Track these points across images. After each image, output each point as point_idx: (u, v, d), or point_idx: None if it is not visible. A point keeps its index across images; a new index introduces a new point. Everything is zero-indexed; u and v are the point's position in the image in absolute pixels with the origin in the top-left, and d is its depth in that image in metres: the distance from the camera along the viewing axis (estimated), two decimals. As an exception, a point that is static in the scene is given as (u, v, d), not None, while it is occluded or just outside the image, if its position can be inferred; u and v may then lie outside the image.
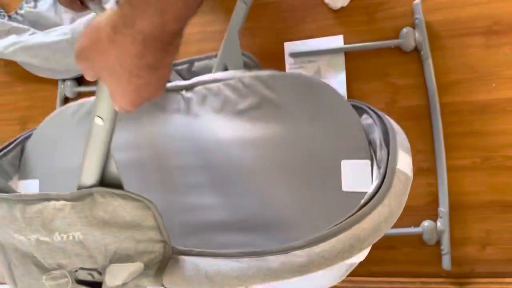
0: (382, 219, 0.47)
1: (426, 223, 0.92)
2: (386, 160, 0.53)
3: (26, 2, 1.13)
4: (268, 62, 1.01)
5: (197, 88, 0.74)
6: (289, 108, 0.67)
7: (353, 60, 0.97)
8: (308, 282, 0.51)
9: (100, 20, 0.38)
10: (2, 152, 0.81)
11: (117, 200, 0.47)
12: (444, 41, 0.93)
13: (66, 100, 1.14)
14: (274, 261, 0.43)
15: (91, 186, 0.48)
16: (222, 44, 0.78)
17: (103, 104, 0.45)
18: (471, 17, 0.91)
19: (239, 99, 0.70)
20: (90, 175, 0.48)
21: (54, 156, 0.80)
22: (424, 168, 0.94)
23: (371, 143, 0.62)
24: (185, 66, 0.82)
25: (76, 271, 0.51)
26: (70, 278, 0.51)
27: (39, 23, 1.11)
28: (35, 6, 1.12)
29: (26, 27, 1.09)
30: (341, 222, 0.46)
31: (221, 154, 0.69)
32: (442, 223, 0.91)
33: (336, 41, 0.98)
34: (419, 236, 0.93)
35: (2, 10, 1.14)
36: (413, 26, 0.93)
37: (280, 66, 1.00)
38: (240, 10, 0.75)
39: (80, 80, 1.13)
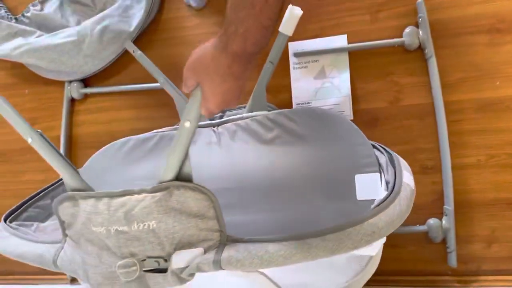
0: (395, 214, 0.56)
1: (432, 221, 0.92)
2: (394, 175, 0.64)
3: (33, 5, 1.14)
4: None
5: (227, 125, 0.89)
6: (308, 136, 0.81)
7: (356, 60, 0.98)
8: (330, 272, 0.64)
9: (206, 44, 0.56)
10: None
11: (188, 192, 0.58)
12: (448, 39, 0.93)
13: (72, 101, 1.15)
14: (311, 242, 0.53)
15: (170, 181, 0.59)
16: (251, 97, 0.91)
17: (193, 110, 0.59)
18: (475, 16, 0.92)
19: (265, 132, 0.84)
20: (170, 171, 0.59)
21: (103, 187, 0.89)
22: (429, 167, 0.94)
23: (380, 165, 0.72)
24: (217, 114, 0.95)
25: (144, 260, 0.60)
26: (138, 267, 0.60)
27: (46, 26, 1.12)
28: (41, 9, 1.13)
29: (32, 29, 1.10)
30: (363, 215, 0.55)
31: (250, 178, 0.82)
32: (447, 221, 0.91)
33: (340, 40, 0.98)
34: (424, 234, 0.93)
35: (9, 13, 1.16)
36: (417, 25, 0.94)
37: (284, 65, 1.01)
38: (267, 69, 0.90)
39: (86, 82, 1.14)
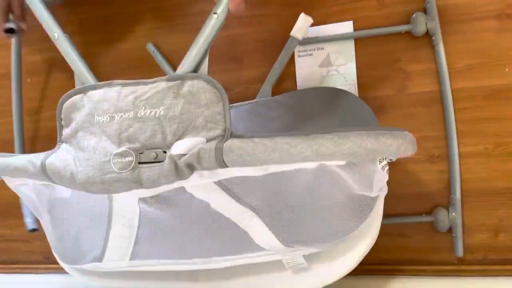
0: (406, 139, 0.57)
1: (438, 211, 0.91)
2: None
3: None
4: (277, 50, 1.01)
5: (232, 110, 0.89)
6: (312, 112, 0.83)
7: (363, 47, 0.96)
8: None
9: None
10: None
11: (201, 83, 0.60)
12: (456, 25, 0.91)
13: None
14: (317, 135, 0.54)
15: (188, 72, 0.61)
16: (257, 97, 0.95)
17: (221, 3, 0.62)
18: (483, 1, 0.90)
19: (269, 111, 0.87)
20: (188, 64, 0.62)
21: None
22: (436, 155, 0.93)
23: None
24: None
25: (142, 153, 0.59)
26: (134, 158, 0.59)
27: None
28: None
29: None
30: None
31: None
32: (454, 210, 0.90)
33: (346, 27, 0.97)
34: (430, 224, 0.93)
35: None
36: (424, 11, 0.92)
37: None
38: (275, 71, 0.95)
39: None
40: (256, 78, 1.02)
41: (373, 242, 0.72)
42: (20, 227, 1.15)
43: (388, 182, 0.94)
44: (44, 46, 1.15)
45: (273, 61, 1.00)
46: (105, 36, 1.11)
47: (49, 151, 0.65)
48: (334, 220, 0.67)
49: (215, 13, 0.62)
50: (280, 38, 1.00)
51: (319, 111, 0.83)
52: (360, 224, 0.67)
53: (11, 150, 1.18)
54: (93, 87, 0.64)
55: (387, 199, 0.95)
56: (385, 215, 0.74)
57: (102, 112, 0.61)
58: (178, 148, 0.58)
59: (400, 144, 0.55)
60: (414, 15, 0.92)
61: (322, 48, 0.98)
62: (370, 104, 0.95)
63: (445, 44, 0.91)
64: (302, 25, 0.92)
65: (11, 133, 1.17)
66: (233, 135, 0.59)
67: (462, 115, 0.90)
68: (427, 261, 0.94)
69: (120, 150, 0.59)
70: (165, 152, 0.59)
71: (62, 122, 0.65)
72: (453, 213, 0.90)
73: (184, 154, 0.58)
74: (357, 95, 0.95)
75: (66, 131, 0.64)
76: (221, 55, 1.04)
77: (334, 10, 0.97)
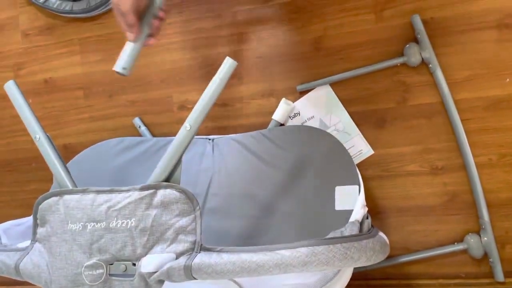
0: (370, 248, 0.57)
1: (471, 238, 0.88)
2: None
3: None
4: (276, 65, 1.00)
5: (223, 138, 0.94)
6: (296, 150, 0.86)
7: (353, 85, 0.95)
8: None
9: None
10: None
11: (174, 194, 0.61)
12: (455, 37, 0.91)
13: (76, 109, 1.13)
14: (284, 253, 0.54)
15: (160, 181, 0.62)
16: None
17: (196, 114, 0.64)
18: (482, 11, 0.89)
19: (257, 144, 0.89)
20: (162, 173, 0.63)
21: (87, 182, 0.93)
22: (439, 167, 0.92)
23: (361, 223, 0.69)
24: None
25: (112, 264, 0.60)
26: (105, 270, 0.60)
27: None
28: None
29: None
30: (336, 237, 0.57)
31: (238, 186, 0.88)
32: (485, 235, 0.88)
33: (324, 90, 0.96)
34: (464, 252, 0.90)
35: None
36: (417, 41, 0.91)
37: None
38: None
39: (89, 89, 1.13)
40: (256, 93, 1.02)
41: None
42: None
43: (390, 196, 0.94)
44: (45, 67, 1.15)
45: (272, 76, 1.00)
46: (105, 56, 1.11)
47: (22, 251, 0.67)
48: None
49: (188, 124, 0.65)
50: (279, 53, 1.00)
51: (300, 151, 0.86)
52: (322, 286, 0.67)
53: (14, 170, 1.18)
54: (69, 192, 0.66)
55: (386, 215, 0.95)
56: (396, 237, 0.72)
57: (75, 220, 0.63)
58: (148, 265, 0.59)
59: (368, 257, 0.55)
60: (407, 46, 0.91)
61: (313, 117, 0.98)
62: (371, 117, 0.95)
63: (445, 55, 0.90)
64: (284, 110, 0.95)
65: (13, 153, 1.18)
66: (202, 248, 0.59)
67: (464, 126, 0.89)
68: (433, 275, 0.92)
69: (91, 262, 0.61)
70: (134, 264, 0.60)
71: (38, 221, 0.67)
72: (485, 238, 0.87)
73: (154, 272, 0.58)
74: (366, 143, 0.95)
75: (40, 231, 0.66)
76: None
77: (333, 24, 0.97)
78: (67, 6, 1.10)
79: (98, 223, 0.61)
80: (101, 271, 0.60)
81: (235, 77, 1.03)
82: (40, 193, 1.20)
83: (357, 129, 0.95)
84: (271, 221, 0.83)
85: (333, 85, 0.97)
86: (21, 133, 1.17)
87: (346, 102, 0.96)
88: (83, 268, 0.61)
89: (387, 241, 0.61)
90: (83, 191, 0.65)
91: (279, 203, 0.84)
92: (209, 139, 0.95)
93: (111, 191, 0.64)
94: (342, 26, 0.97)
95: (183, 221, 0.61)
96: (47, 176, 1.16)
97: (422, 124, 0.93)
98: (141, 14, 0.71)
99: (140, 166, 0.95)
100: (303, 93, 0.99)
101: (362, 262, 0.55)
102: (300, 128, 0.91)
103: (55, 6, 1.11)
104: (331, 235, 0.62)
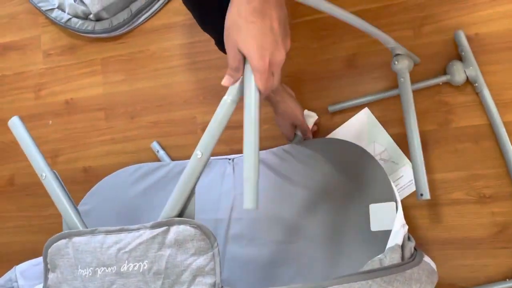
0: (416, 280, 0.51)
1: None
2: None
3: None
4: (304, 84, 0.95)
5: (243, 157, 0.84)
6: (322, 166, 0.79)
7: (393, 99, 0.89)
8: None
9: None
10: None
11: (188, 230, 0.55)
12: (502, 54, 0.84)
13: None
14: None
15: (172, 217, 0.57)
16: None
17: (205, 140, 0.57)
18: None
19: (280, 163, 0.83)
20: (173, 207, 0.57)
21: (106, 212, 0.91)
22: (487, 196, 0.84)
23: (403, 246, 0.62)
24: None
25: None
26: None
27: None
28: None
29: None
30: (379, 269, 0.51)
31: (262, 209, 0.77)
32: None
33: (363, 116, 0.90)
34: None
35: None
36: (460, 58, 0.85)
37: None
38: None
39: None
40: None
41: None
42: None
43: (432, 227, 0.86)
44: (66, 87, 1.13)
45: (302, 96, 0.95)
46: (127, 76, 1.08)
47: None
48: None
49: (198, 152, 0.57)
50: (308, 72, 0.95)
51: (328, 168, 0.79)
52: None
53: (32, 194, 1.15)
54: (78, 233, 0.61)
55: (428, 248, 0.86)
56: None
57: (85, 264, 0.58)
58: None
59: None
60: (450, 64, 0.85)
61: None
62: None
63: (491, 74, 0.84)
64: (307, 122, 0.90)
65: (32, 176, 1.14)
66: None
67: (514, 150, 0.82)
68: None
69: None
70: None
71: (48, 266, 0.63)
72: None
73: None
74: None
75: (51, 277, 0.62)
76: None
77: (367, 41, 0.92)
78: (89, 26, 1.08)
79: (109, 268, 0.57)
80: None
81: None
82: (56, 219, 1.16)
83: (405, 157, 0.88)
84: (300, 247, 0.76)
85: (369, 106, 0.91)
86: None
87: (383, 125, 0.90)
88: None
89: (434, 267, 0.54)
90: (92, 232, 0.60)
91: (307, 225, 0.77)
92: (229, 159, 0.90)
93: (120, 231, 0.59)
94: (377, 43, 0.90)
95: (200, 261, 0.55)
96: (66, 200, 1.13)
97: (468, 148, 0.85)
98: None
99: (159, 192, 0.90)
100: (335, 114, 0.93)
101: None
102: (326, 141, 0.84)
103: (77, 26, 1.08)
104: (368, 266, 0.55)
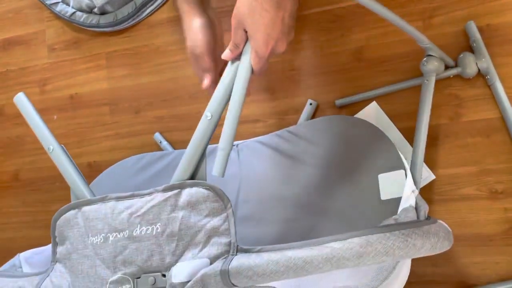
0: (434, 233, 0.49)
1: None
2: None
3: None
4: (312, 78, 0.93)
5: (247, 142, 0.88)
6: (327, 142, 0.78)
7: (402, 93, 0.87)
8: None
9: None
10: None
11: (201, 192, 0.55)
12: (509, 46, 0.82)
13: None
14: (334, 245, 0.47)
15: (185, 180, 0.57)
16: None
17: (214, 103, 0.58)
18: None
19: (284, 143, 0.82)
20: (185, 170, 0.57)
21: None
22: (499, 191, 0.82)
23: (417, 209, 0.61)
24: None
25: (139, 278, 0.55)
26: (132, 285, 0.55)
27: None
28: None
29: None
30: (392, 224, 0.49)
31: (269, 189, 0.81)
32: None
33: (372, 109, 0.88)
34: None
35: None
36: (471, 50, 0.82)
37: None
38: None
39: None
40: (290, 108, 0.94)
41: None
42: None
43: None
44: (71, 82, 1.12)
45: (308, 90, 0.93)
46: (132, 70, 1.07)
47: (43, 273, 0.62)
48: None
49: (208, 113, 0.58)
50: (315, 65, 0.93)
51: (333, 144, 0.78)
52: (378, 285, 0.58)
53: (38, 190, 1.14)
54: (87, 202, 0.60)
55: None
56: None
57: (96, 232, 0.58)
58: (179, 274, 0.52)
59: (433, 244, 0.47)
60: (461, 56, 0.82)
61: None
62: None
63: (503, 66, 0.81)
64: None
65: (38, 171, 1.14)
66: (239, 249, 0.53)
67: (527, 144, 0.80)
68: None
69: (116, 277, 0.55)
70: (164, 275, 0.54)
71: (57, 240, 0.62)
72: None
73: (187, 282, 0.52)
74: (427, 168, 0.85)
75: (60, 250, 0.62)
76: (252, 85, 0.97)
77: (376, 33, 0.90)
78: (94, 19, 1.07)
79: (121, 233, 0.56)
80: (127, 286, 0.54)
81: (267, 91, 0.97)
82: (62, 214, 1.15)
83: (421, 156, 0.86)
84: (310, 223, 0.75)
85: (377, 99, 0.89)
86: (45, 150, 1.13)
87: (391, 119, 0.88)
88: (107, 285, 0.55)
89: (450, 230, 0.52)
90: (102, 200, 0.60)
91: (316, 202, 0.76)
92: (234, 145, 0.89)
93: (132, 196, 0.58)
94: (386, 35, 0.89)
95: (215, 221, 0.54)
96: (70, 196, 1.12)
97: (479, 142, 0.83)
98: (219, 58, 0.66)
99: (163, 181, 0.89)
100: (342, 108, 0.91)
101: (427, 250, 0.47)
102: (329, 119, 0.82)
103: (81, 19, 1.07)
104: (384, 223, 0.54)
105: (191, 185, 0.56)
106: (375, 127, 0.75)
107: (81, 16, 1.07)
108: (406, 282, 0.87)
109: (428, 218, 0.54)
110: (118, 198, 0.59)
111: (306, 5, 0.94)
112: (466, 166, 0.83)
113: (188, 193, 0.55)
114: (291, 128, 0.84)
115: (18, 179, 1.16)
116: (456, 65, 0.83)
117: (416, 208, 0.58)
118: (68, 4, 1.09)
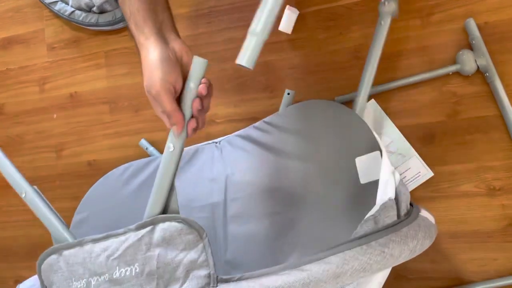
0: (412, 236, 0.49)
1: None
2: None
3: None
4: (311, 76, 0.94)
5: (228, 137, 0.88)
6: (304, 130, 0.79)
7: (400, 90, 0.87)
8: None
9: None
10: None
11: (174, 226, 0.54)
12: (508, 43, 0.82)
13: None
14: (310, 270, 0.47)
15: (156, 215, 0.56)
16: None
17: (175, 134, 0.55)
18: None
19: (263, 135, 0.83)
20: (156, 206, 0.56)
21: (103, 216, 0.90)
22: (497, 188, 0.82)
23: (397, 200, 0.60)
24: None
25: None
26: None
27: None
28: None
29: None
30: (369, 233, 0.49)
31: (256, 184, 0.81)
32: None
33: (370, 107, 0.89)
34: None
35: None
36: (470, 47, 0.83)
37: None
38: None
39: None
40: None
41: None
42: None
43: (441, 220, 0.85)
44: (70, 81, 1.12)
45: (307, 88, 0.93)
46: (131, 69, 1.07)
47: None
48: None
49: (170, 144, 0.55)
50: (314, 63, 0.93)
51: (310, 130, 0.78)
52: None
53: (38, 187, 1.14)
54: (66, 247, 0.60)
55: (437, 241, 0.84)
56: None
57: (78, 277, 0.59)
58: None
59: (412, 249, 0.48)
60: (460, 53, 0.83)
61: None
62: (418, 131, 0.86)
63: (502, 63, 0.81)
64: (290, 19, 0.88)
65: (37, 170, 1.14)
66: (219, 280, 0.53)
67: (525, 142, 0.80)
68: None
69: None
70: None
71: (45, 283, 0.62)
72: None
73: None
74: (424, 164, 0.85)
75: None
76: (251, 84, 0.98)
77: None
78: (93, 18, 1.07)
79: (101, 276, 0.56)
80: None
81: (266, 89, 0.97)
82: (63, 213, 1.16)
83: (412, 149, 0.86)
84: (297, 214, 0.76)
85: (375, 97, 0.89)
86: (45, 149, 1.13)
87: (389, 116, 0.88)
88: None
89: (433, 220, 0.52)
90: (80, 244, 0.59)
91: (300, 192, 0.77)
92: (216, 142, 0.90)
93: (107, 237, 0.58)
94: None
95: (192, 255, 0.54)
96: (71, 195, 1.13)
97: (477, 140, 0.83)
98: (181, 97, 0.57)
99: (152, 188, 0.89)
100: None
101: (406, 257, 0.47)
102: (302, 106, 0.82)
103: (80, 18, 1.07)
104: (362, 227, 0.53)
105: (163, 220, 0.55)
106: (349, 110, 0.75)
107: (80, 15, 1.07)
108: (405, 278, 0.88)
109: (409, 212, 0.54)
110: (94, 240, 0.58)
111: (305, 3, 0.94)
112: (464, 163, 0.84)
113: (161, 229, 0.54)
114: (268, 118, 0.84)
115: (18, 177, 1.16)
116: (455, 63, 0.83)
117: (397, 200, 0.57)
118: (67, 3, 1.09)
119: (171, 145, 0.55)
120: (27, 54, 1.16)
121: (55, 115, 1.13)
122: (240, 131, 0.87)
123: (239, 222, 0.80)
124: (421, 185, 0.86)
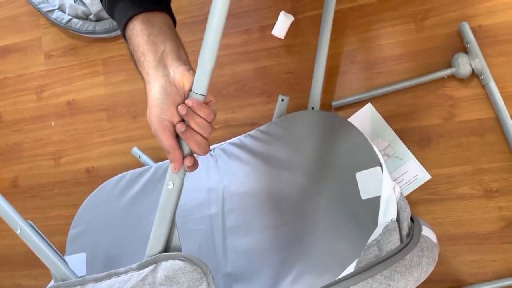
0: (416, 264, 0.49)
1: None
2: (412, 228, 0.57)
3: None
4: (307, 80, 0.94)
5: (223, 146, 0.86)
6: (302, 142, 0.77)
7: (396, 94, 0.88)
8: None
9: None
10: None
11: (177, 265, 0.53)
12: (507, 45, 0.83)
13: (99, 132, 1.10)
14: None
15: (157, 254, 0.55)
16: None
17: (174, 171, 0.54)
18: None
19: (260, 145, 0.81)
20: (157, 243, 0.55)
21: (99, 228, 0.89)
22: (494, 190, 0.83)
23: (399, 220, 0.61)
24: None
25: None
26: None
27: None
28: None
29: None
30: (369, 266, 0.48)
31: (253, 196, 0.80)
32: None
33: (366, 111, 0.89)
34: None
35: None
36: (465, 51, 0.84)
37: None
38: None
39: (112, 111, 1.09)
40: (286, 111, 0.95)
41: None
42: (46, 277, 1.10)
43: (438, 223, 0.85)
44: (68, 89, 1.12)
45: (303, 92, 0.94)
46: (129, 76, 1.08)
47: None
48: None
49: (170, 182, 0.54)
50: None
51: (307, 140, 0.76)
52: None
53: (36, 196, 1.14)
54: (67, 285, 0.60)
55: (439, 242, 0.84)
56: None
57: None
58: None
59: (417, 278, 0.47)
60: (455, 56, 0.83)
61: None
62: (415, 135, 0.87)
63: (496, 66, 0.82)
64: (284, 24, 0.88)
65: (36, 178, 1.14)
66: None
67: (521, 143, 0.80)
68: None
69: None
70: None
71: None
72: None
73: None
74: (422, 167, 0.86)
75: None
76: (248, 89, 0.98)
77: (368, 36, 0.91)
78: (90, 26, 1.07)
79: None
80: None
81: (263, 94, 0.97)
82: (61, 220, 1.16)
83: (409, 152, 0.86)
84: (297, 228, 0.74)
85: (372, 101, 0.90)
86: (44, 157, 1.13)
87: (386, 120, 0.89)
88: None
89: (434, 238, 0.52)
90: (81, 283, 0.59)
91: (299, 205, 0.75)
92: (211, 153, 0.88)
93: (109, 276, 0.57)
94: (379, 38, 0.90)
95: None
96: (69, 202, 1.13)
97: (473, 142, 0.84)
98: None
99: (148, 197, 0.88)
100: (338, 109, 0.92)
101: (411, 286, 0.47)
102: (300, 115, 0.80)
103: (77, 26, 1.08)
104: (365, 253, 0.52)
105: (166, 259, 0.54)
106: (348, 123, 0.74)
107: (77, 23, 1.08)
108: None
109: (411, 231, 0.53)
110: (96, 280, 0.57)
111: (300, 9, 0.95)
112: (461, 165, 0.84)
113: (164, 268, 0.54)
114: (263, 127, 0.83)
115: (17, 185, 1.16)
116: (450, 66, 0.84)
117: (398, 220, 0.57)
118: (64, 11, 1.10)
119: (170, 183, 0.54)
120: (25, 63, 1.16)
121: (53, 123, 1.13)
122: (233, 138, 0.86)
123: (238, 235, 0.79)
124: (418, 187, 0.86)
